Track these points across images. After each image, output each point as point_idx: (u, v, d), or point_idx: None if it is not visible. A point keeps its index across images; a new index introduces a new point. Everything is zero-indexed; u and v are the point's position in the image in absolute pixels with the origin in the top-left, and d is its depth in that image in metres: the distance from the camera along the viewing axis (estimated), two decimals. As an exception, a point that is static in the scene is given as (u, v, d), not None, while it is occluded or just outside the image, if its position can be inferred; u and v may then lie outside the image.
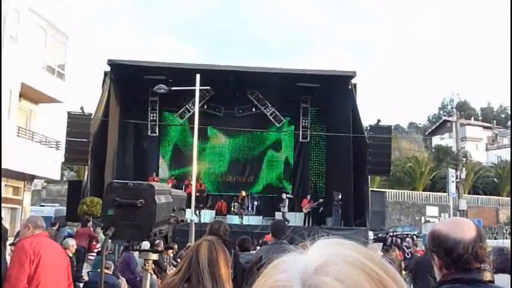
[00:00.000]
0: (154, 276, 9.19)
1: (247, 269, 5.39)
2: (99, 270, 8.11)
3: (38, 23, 20.74)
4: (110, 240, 3.00)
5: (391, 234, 31.07)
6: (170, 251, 11.14)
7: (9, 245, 10.24)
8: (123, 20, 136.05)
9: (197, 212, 21.75)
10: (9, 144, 17.39)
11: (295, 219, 23.21)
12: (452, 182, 28.90)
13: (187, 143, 25.88)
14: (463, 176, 31.24)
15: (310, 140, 27.13)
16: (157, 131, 26.36)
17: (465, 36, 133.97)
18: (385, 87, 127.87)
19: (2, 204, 16.34)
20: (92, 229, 16.43)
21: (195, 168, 19.53)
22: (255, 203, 24.65)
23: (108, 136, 22.14)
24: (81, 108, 21.52)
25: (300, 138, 26.90)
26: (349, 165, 22.44)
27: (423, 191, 46.26)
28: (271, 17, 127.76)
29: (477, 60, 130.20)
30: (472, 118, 68.77)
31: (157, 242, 3.13)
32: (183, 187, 22.50)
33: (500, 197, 45.96)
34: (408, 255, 17.75)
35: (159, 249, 3.35)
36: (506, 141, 57.49)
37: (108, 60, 22.50)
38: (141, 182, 3.12)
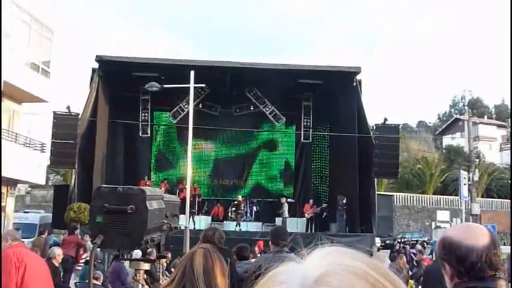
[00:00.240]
0: (146, 287, 9.19)
1: (244, 279, 5.39)
2: (87, 281, 8.11)
3: (21, 17, 20.73)
4: (98, 249, 3.00)
5: (399, 240, 31.13)
6: (163, 260, 11.11)
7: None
8: (112, 13, 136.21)
9: (192, 218, 21.73)
10: (-10, 147, 17.35)
11: (297, 225, 23.22)
12: (465, 184, 28.88)
13: (174, 144, 26.35)
14: (476, 178, 31.26)
15: (312, 141, 27.15)
16: (149, 132, 26.36)
17: (478, 29, 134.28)
18: (393, 84, 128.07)
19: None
20: (79, 237, 16.41)
21: (189, 172, 19.52)
22: (254, 208, 24.65)
23: (97, 137, 22.12)
24: (68, 107, 21.51)
25: (302, 138, 26.92)
26: (354, 167, 22.44)
27: (433, 194, 46.27)
28: (271, 10, 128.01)
29: (491, 55, 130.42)
30: (485, 116, 68.85)
31: (149, 250, 3.13)
32: (177, 191, 22.55)
33: (515, 201, 45.96)
34: (415, 263, 17.77)
35: (151, 258, 3.35)
36: (522, 140, 57.51)
37: (96, 56, 22.48)
38: (131, 186, 3.13)
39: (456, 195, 38.44)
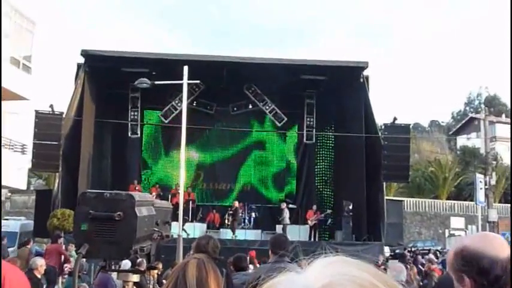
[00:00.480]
0: (135, 300, 9.17)
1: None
2: (72, 293, 8.11)
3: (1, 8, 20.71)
4: (84, 259, 3.00)
5: (410, 249, 31.13)
6: (154, 271, 11.10)
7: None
8: (99, 3, 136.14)
9: (185, 225, 21.73)
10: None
11: (299, 233, 23.21)
12: (481, 189, 28.96)
13: (158, 145, 26.79)
14: (493, 182, 31.30)
15: (315, 142, 27.19)
16: (138, 132, 26.37)
17: (497, 19, 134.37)
18: (403, 80, 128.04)
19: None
20: (63, 246, 16.41)
21: (182, 175, 19.53)
22: (253, 214, 24.66)
23: (82, 138, 22.12)
24: (51, 106, 21.50)
25: (304, 139, 26.94)
26: (361, 170, 22.46)
27: (447, 199, 46.33)
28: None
29: (508, 49, 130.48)
30: (503, 115, 68.89)
31: (138, 261, 3.13)
32: (169, 197, 22.56)
33: (536, 206, 46.03)
34: (424, 274, 17.76)
35: (141, 269, 3.35)
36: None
37: (82, 50, 22.48)
38: (119, 191, 3.12)
39: (471, 200, 38.57)
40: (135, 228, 2.88)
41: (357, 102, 23.34)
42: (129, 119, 25.82)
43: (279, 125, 25.86)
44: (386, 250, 24.59)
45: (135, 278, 3.22)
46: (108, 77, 23.59)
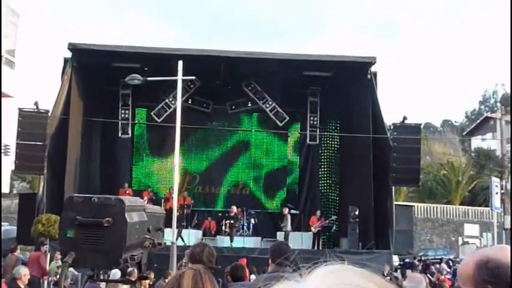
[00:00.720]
0: (126, 312, 9.18)
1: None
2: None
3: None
4: (71, 268, 3.00)
5: (421, 258, 31.16)
6: (145, 281, 11.08)
7: None
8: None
9: (180, 232, 21.73)
10: None
11: (302, 240, 23.22)
12: (497, 193, 28.92)
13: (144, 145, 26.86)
14: (510, 186, 31.27)
15: (319, 142, 27.17)
16: (129, 132, 26.36)
17: None
18: (413, 77, 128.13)
19: None
20: (47, 254, 16.32)
21: (176, 178, 19.53)
22: (252, 220, 24.65)
23: (69, 138, 22.12)
24: (36, 103, 21.49)
25: (307, 139, 26.93)
26: (369, 173, 22.46)
27: (460, 205, 46.32)
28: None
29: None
30: (521, 114, 68.99)
31: (129, 270, 3.13)
32: (162, 201, 22.55)
33: (555, 212, 46.07)
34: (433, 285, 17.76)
35: (132, 279, 3.36)
36: None
37: (69, 44, 22.49)
38: (108, 196, 3.12)
39: (487, 206, 38.52)
40: (125, 235, 2.88)
41: (364, 101, 23.33)
42: (120, 118, 25.79)
43: (280, 124, 25.81)
44: (395, 259, 24.60)
45: (125, 288, 3.22)
46: (97, 73, 23.58)
